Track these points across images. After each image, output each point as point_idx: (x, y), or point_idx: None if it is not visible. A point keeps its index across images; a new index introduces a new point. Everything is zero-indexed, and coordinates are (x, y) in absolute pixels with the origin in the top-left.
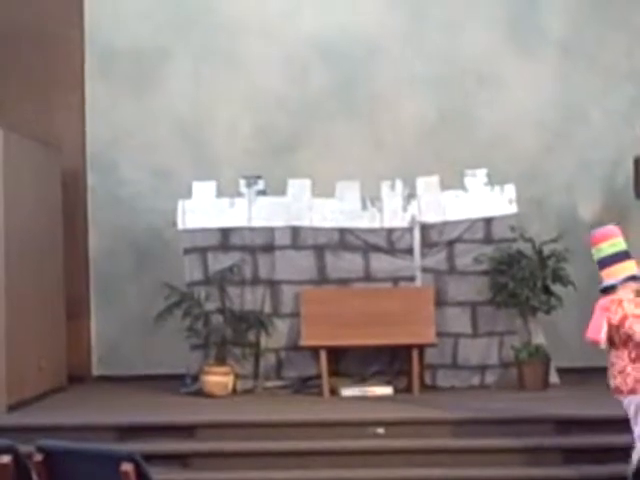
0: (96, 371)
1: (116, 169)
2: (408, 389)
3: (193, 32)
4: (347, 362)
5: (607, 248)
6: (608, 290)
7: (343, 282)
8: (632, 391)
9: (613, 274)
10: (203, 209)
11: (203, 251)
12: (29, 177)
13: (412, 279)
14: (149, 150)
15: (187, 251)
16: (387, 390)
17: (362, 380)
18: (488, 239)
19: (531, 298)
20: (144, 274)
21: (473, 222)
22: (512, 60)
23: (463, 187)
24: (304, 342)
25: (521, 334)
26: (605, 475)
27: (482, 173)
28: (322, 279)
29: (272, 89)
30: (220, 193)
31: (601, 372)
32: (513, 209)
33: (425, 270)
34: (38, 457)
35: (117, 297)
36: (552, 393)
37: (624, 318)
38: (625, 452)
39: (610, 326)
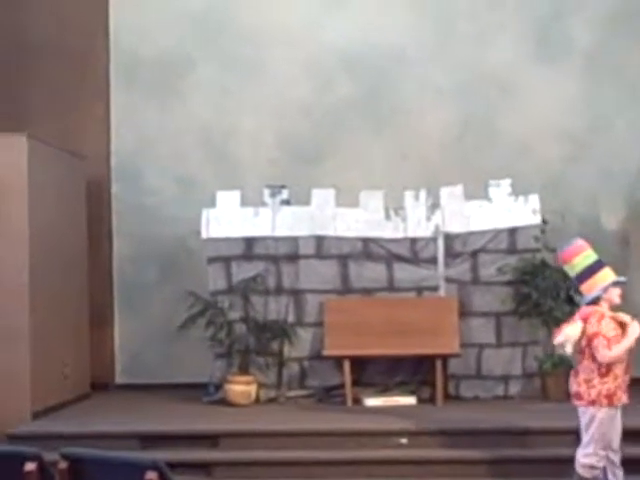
0: (119, 379)
1: (141, 178)
2: (432, 399)
3: (218, 41)
4: (370, 372)
5: (581, 262)
6: (593, 303)
7: (367, 292)
8: (592, 403)
9: (593, 286)
10: (227, 218)
11: (227, 260)
12: (54, 186)
13: (436, 289)
14: (174, 159)
15: (211, 260)
16: (410, 400)
17: (385, 390)
18: (512, 249)
19: (554, 308)
20: (168, 283)
21: (497, 232)
22: (537, 70)
23: (487, 197)
24: (327, 352)
25: (544, 345)
26: None
27: (506, 183)
28: (346, 289)
29: (297, 99)
30: (244, 202)
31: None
32: (537, 219)
33: (449, 280)
34: (63, 465)
35: (141, 306)
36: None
37: (595, 335)
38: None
39: (585, 336)
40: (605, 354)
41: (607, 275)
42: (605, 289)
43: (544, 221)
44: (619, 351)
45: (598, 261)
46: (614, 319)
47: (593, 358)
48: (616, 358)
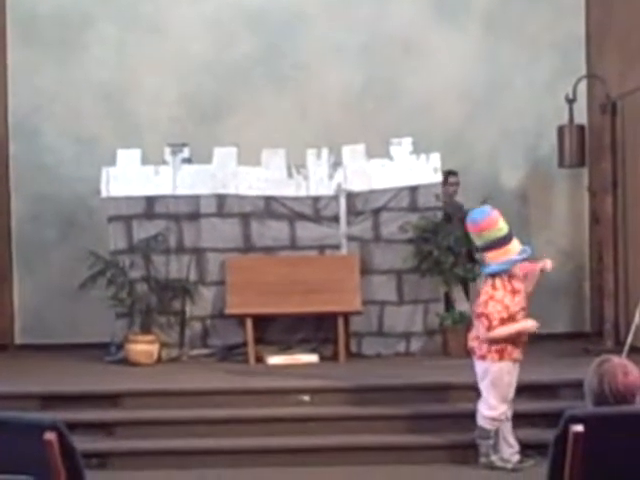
0: (19, 339)
1: (39, 137)
2: (334, 357)
3: None
4: (273, 330)
5: (492, 234)
6: (494, 274)
7: (269, 250)
8: (482, 358)
9: (500, 257)
10: (128, 177)
11: (128, 219)
12: None
13: (338, 247)
14: (73, 117)
15: (111, 219)
16: (313, 358)
17: (288, 348)
18: (413, 207)
19: (455, 266)
20: (68, 242)
21: (398, 190)
22: (438, 30)
23: (389, 155)
24: (230, 310)
25: (445, 301)
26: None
27: (407, 142)
28: (248, 247)
29: (198, 56)
30: (145, 161)
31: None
32: (438, 177)
33: (351, 238)
34: None
35: (41, 265)
36: None
37: (481, 314)
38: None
39: (477, 300)
40: (484, 336)
41: (514, 247)
42: (511, 264)
43: (453, 172)
44: (498, 335)
45: (508, 234)
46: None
47: (481, 315)
48: (497, 338)
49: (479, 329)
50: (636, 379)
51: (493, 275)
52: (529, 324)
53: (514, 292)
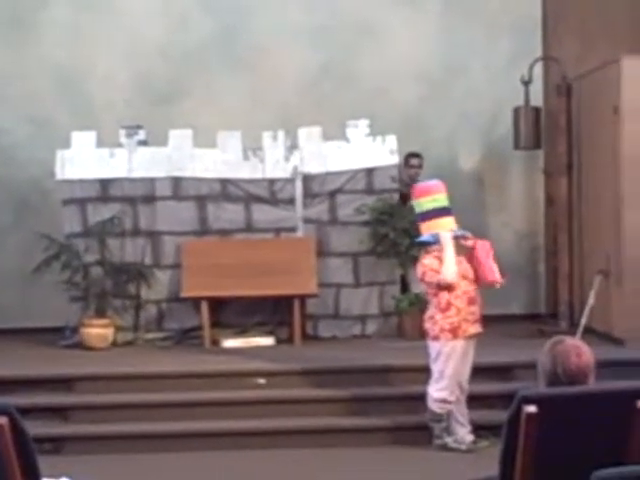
0: None
1: None
2: (290, 339)
3: None
4: (229, 313)
5: (428, 203)
6: (424, 244)
7: (225, 233)
8: (436, 338)
9: (431, 228)
10: (82, 160)
11: (82, 202)
12: None
13: (294, 230)
14: (27, 99)
15: (66, 202)
16: (269, 341)
17: (244, 331)
18: (370, 190)
19: (411, 248)
20: (22, 225)
21: (355, 173)
22: (394, 12)
23: (345, 138)
24: (185, 293)
25: (401, 283)
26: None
27: (364, 124)
28: (204, 230)
29: (152, 38)
30: (100, 143)
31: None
32: (394, 160)
33: (307, 221)
34: None
35: None
36: None
37: (423, 274)
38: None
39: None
40: (440, 278)
41: (447, 223)
42: (437, 237)
43: (416, 154)
44: (449, 267)
45: (444, 208)
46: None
47: (434, 294)
48: (451, 275)
49: (433, 277)
50: (589, 360)
51: (425, 245)
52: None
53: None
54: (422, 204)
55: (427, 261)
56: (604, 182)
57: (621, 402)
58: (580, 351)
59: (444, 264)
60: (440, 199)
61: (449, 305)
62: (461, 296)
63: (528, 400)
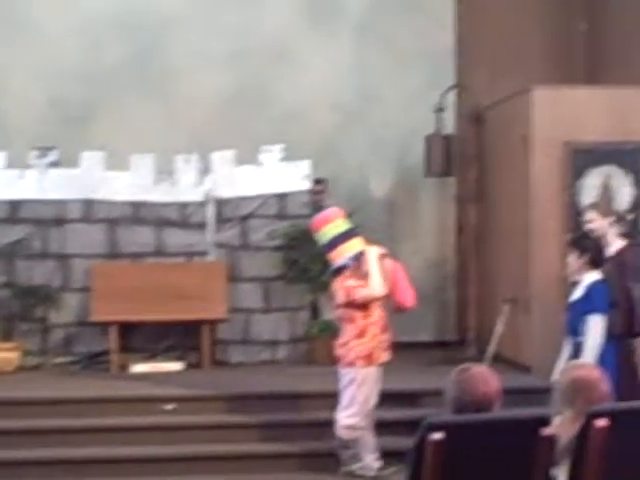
0: None
1: None
2: (199, 365)
3: None
4: (138, 338)
5: (331, 230)
6: (340, 271)
7: (135, 256)
8: (350, 364)
9: (341, 254)
10: None
11: None
12: None
13: (205, 254)
14: None
15: None
16: (178, 366)
17: (153, 356)
18: (282, 215)
19: (322, 274)
20: None
21: (267, 198)
22: (310, 38)
23: (258, 162)
24: (94, 317)
25: (312, 309)
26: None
27: (277, 149)
28: (114, 253)
29: (66, 59)
30: (11, 164)
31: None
32: (307, 185)
33: (218, 245)
34: None
35: None
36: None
37: (338, 290)
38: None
39: (343, 302)
40: (368, 293)
41: (356, 244)
42: (353, 258)
43: (319, 180)
44: (376, 280)
45: (348, 231)
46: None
47: (349, 320)
48: (379, 288)
49: (354, 293)
50: (495, 388)
51: (338, 273)
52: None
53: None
54: (325, 233)
55: (346, 283)
56: (513, 210)
57: (526, 429)
58: (486, 378)
59: (371, 278)
60: (341, 224)
61: (365, 331)
62: (377, 322)
63: (434, 427)
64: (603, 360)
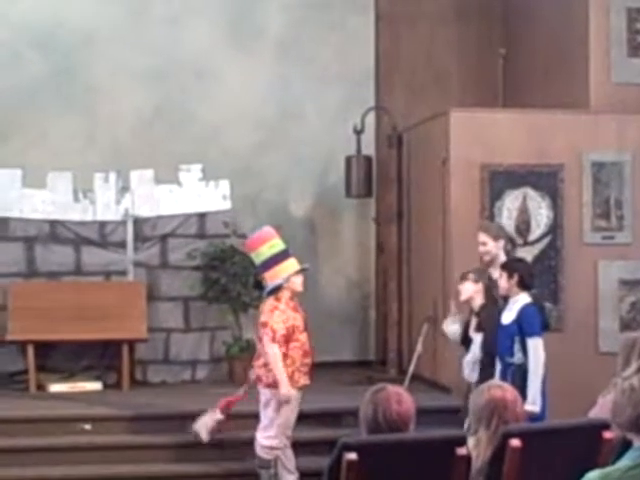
0: None
1: None
2: (118, 385)
3: None
4: (56, 357)
5: (267, 250)
6: (275, 291)
7: (53, 275)
8: (269, 386)
9: (276, 275)
10: None
11: None
12: None
13: (124, 273)
14: None
15: None
16: (96, 385)
17: (71, 376)
18: (201, 234)
19: (243, 294)
20: None
21: (187, 217)
22: (230, 57)
23: (178, 182)
24: (10, 336)
25: (232, 329)
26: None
27: (197, 168)
28: (31, 272)
29: None
30: None
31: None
32: (227, 205)
33: (137, 264)
34: None
35: None
36: None
37: (264, 324)
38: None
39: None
40: (268, 348)
41: (291, 265)
42: (287, 278)
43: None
44: (273, 360)
45: (283, 251)
46: (284, 312)
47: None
48: (272, 361)
49: (264, 340)
50: (410, 408)
51: (273, 293)
52: (286, 391)
53: (296, 311)
54: (260, 254)
55: (276, 314)
56: (432, 231)
57: (441, 450)
58: (401, 398)
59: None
60: (276, 244)
61: (287, 355)
62: (300, 347)
63: (348, 447)
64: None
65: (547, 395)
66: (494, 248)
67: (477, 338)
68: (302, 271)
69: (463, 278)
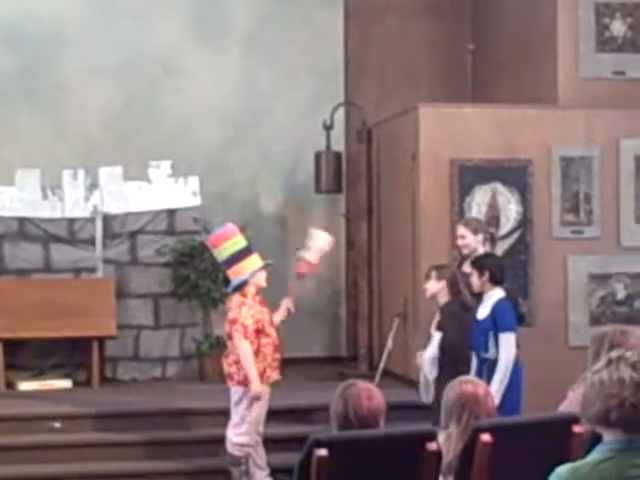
0: None
1: None
2: (88, 382)
3: None
4: (25, 355)
5: (230, 247)
6: (240, 287)
7: (22, 273)
8: (240, 383)
9: (241, 271)
10: None
11: None
12: None
13: (93, 270)
14: None
15: None
16: (66, 383)
17: (40, 373)
18: (171, 231)
19: (213, 290)
20: None
21: (156, 213)
22: (197, 52)
23: (147, 178)
24: None
25: (202, 326)
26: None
27: (166, 164)
28: (0, 270)
29: None
30: None
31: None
32: (196, 201)
33: (107, 261)
34: None
35: None
36: None
37: (234, 321)
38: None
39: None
40: (239, 344)
41: (254, 261)
42: (252, 274)
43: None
44: (244, 356)
45: (246, 247)
46: (252, 307)
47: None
48: (243, 358)
49: (235, 337)
50: (380, 404)
51: (238, 289)
52: (257, 388)
53: (263, 305)
54: (223, 251)
55: (244, 310)
56: (402, 227)
57: (411, 445)
58: (371, 394)
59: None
60: (239, 241)
61: (258, 352)
62: (270, 343)
63: (319, 444)
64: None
65: (522, 390)
66: (473, 242)
67: (436, 336)
68: (266, 267)
69: (426, 276)
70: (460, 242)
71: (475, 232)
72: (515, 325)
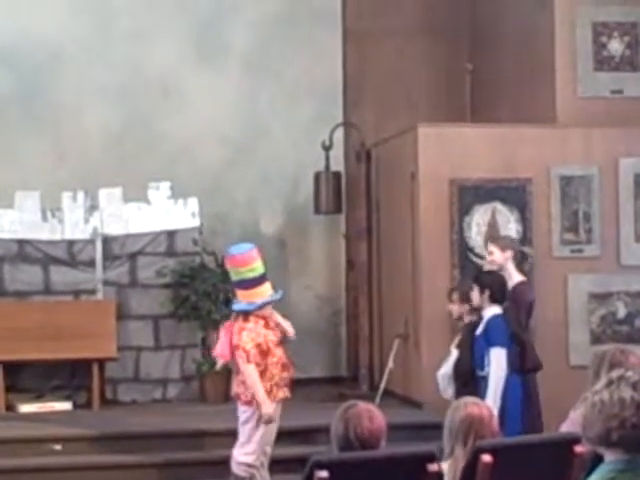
0: None
1: None
2: (88, 404)
3: None
4: (25, 377)
5: (246, 273)
6: (244, 312)
7: (22, 295)
8: (248, 403)
9: (251, 297)
10: None
11: None
12: None
13: (93, 292)
14: None
15: None
16: (66, 405)
17: (41, 396)
18: (171, 252)
19: (213, 311)
20: None
21: (156, 235)
22: (197, 74)
23: (146, 200)
24: None
25: (202, 347)
26: None
27: (165, 186)
28: (0, 292)
29: None
30: None
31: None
32: (196, 222)
33: (107, 283)
34: None
35: None
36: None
37: (237, 347)
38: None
39: (232, 345)
40: (244, 369)
41: (265, 290)
42: (259, 307)
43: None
44: (250, 378)
45: (262, 275)
46: (253, 331)
47: (248, 362)
48: (250, 382)
49: (239, 363)
50: (381, 424)
51: (242, 313)
52: (267, 410)
53: (267, 327)
54: (240, 273)
55: (245, 334)
56: (402, 247)
57: (413, 466)
58: (372, 415)
59: (261, 403)
60: (257, 267)
61: (265, 371)
62: (277, 362)
63: (320, 465)
64: (507, 394)
65: (527, 408)
66: (501, 258)
67: (453, 354)
68: (271, 302)
69: (449, 298)
70: (488, 258)
71: (503, 249)
72: (505, 341)
